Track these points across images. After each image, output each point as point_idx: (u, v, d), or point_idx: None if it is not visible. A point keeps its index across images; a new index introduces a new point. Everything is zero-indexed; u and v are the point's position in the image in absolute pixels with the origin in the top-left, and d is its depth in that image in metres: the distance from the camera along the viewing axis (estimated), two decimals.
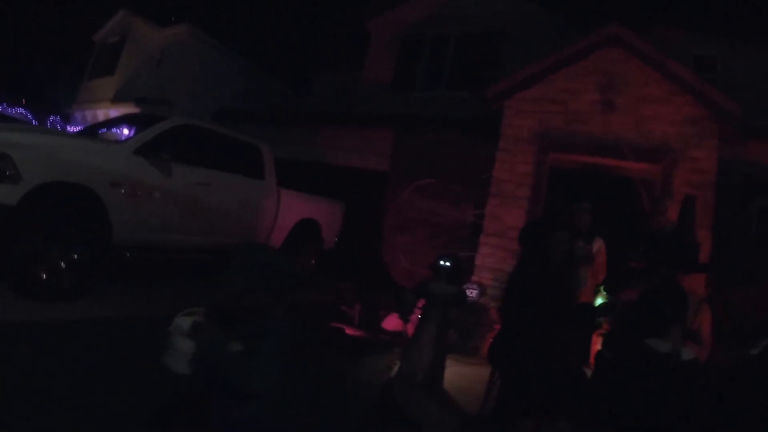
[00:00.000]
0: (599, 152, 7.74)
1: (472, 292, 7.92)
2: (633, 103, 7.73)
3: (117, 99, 15.39)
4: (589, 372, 3.96)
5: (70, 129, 14.91)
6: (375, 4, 13.31)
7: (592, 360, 4.31)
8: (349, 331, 6.97)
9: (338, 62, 15.80)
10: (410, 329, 6.01)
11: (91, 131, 7.56)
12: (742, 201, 7.81)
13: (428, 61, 12.47)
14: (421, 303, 5.38)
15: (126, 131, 6.61)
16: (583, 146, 7.80)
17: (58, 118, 17.16)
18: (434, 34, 12.52)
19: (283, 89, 17.44)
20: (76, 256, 5.30)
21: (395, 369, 5.25)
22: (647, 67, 7.76)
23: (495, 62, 10.93)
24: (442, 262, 5.31)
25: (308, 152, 11.36)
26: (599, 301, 4.82)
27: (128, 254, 5.85)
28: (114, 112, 14.28)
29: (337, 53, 16.70)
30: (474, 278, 8.06)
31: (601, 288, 4.71)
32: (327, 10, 24.35)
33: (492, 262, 8.02)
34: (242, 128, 8.70)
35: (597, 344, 5.08)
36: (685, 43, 10.24)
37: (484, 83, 8.93)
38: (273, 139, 9.09)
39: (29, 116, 16.06)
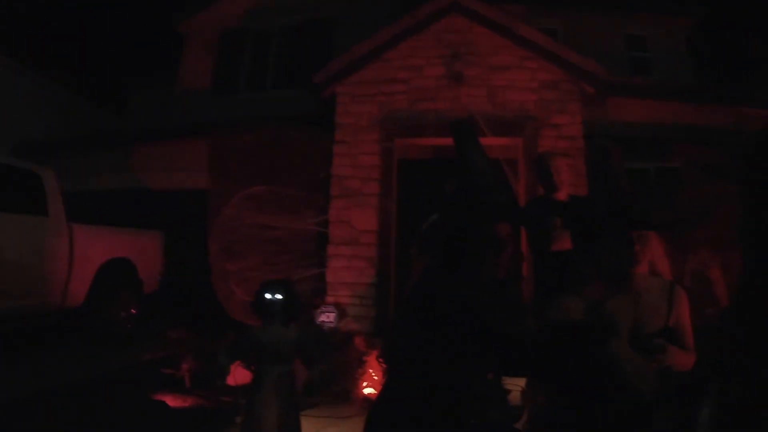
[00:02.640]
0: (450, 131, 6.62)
1: (328, 317, 6.47)
2: (483, 73, 7.02)
3: None
4: None
5: None
6: (186, 5, 11.81)
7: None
8: (174, 401, 5.18)
9: (154, 75, 13.86)
10: None
11: None
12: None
13: (251, 61, 11.18)
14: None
15: None
16: (432, 127, 6.87)
17: None
18: (256, 30, 11.22)
19: (100, 113, 15.05)
20: None
21: None
22: (494, 33, 7.10)
23: (327, 54, 9.63)
24: (268, 296, 3.67)
25: (124, 179, 9.69)
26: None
27: None
28: None
29: (151, 65, 14.78)
30: (329, 299, 6.79)
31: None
32: (136, 18, 22.13)
33: (348, 276, 6.83)
34: (50, 163, 6.98)
35: None
36: (526, 17, 9.64)
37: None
38: (85, 169, 8.08)
39: None
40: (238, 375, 5.67)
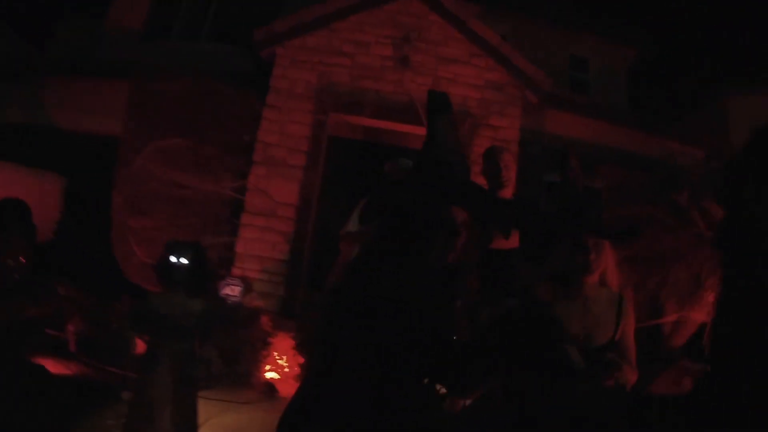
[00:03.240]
0: (389, 114, 6.70)
1: (233, 290, 6.06)
2: (431, 62, 6.84)
3: None
4: None
5: None
6: None
7: None
8: (56, 367, 4.62)
9: (84, 6, 12.79)
10: None
11: None
12: (539, 174, 7.17)
13: (189, 8, 10.39)
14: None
15: None
16: (370, 107, 6.65)
17: None
18: None
19: (24, 44, 13.82)
20: None
21: None
22: (448, 24, 6.96)
23: (272, 13, 9.10)
24: (174, 259, 3.26)
25: (34, 115, 8.88)
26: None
27: None
28: None
29: None
30: (236, 271, 6.34)
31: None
32: None
33: (259, 249, 6.43)
34: None
35: None
36: (479, 17, 9.53)
37: None
38: None
39: None
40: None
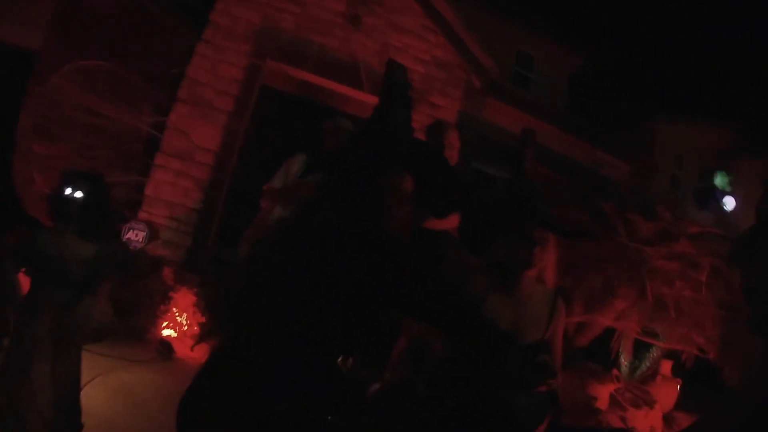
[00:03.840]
0: (330, 72, 6.36)
1: (137, 235, 5.61)
2: (382, 27, 6.57)
3: None
4: None
5: None
6: None
7: None
8: None
9: None
10: None
11: None
12: (467, 159, 7.17)
13: None
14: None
15: None
16: (312, 60, 6.27)
17: None
18: None
19: None
20: None
21: None
22: None
23: None
24: (68, 192, 2.83)
25: None
26: None
27: None
28: None
29: None
30: (142, 215, 5.87)
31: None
32: None
33: (170, 194, 5.99)
34: None
35: None
36: None
37: None
38: None
39: None
40: None
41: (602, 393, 4.89)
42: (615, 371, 5.11)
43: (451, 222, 3.22)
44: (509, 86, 8.35)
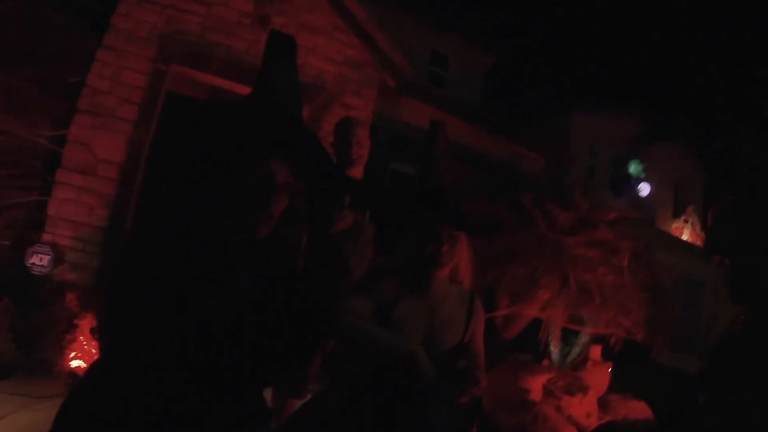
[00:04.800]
0: (238, 75, 6.08)
1: (41, 259, 5.21)
2: (292, 27, 6.35)
3: None
4: None
5: None
6: None
7: None
8: None
9: None
10: None
11: None
12: (385, 160, 7.12)
13: None
14: None
15: None
16: (218, 63, 6.06)
17: None
18: None
19: None
20: None
21: None
22: None
23: None
24: None
25: None
26: None
27: None
28: None
29: None
30: (46, 236, 5.43)
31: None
32: None
33: (74, 213, 5.55)
34: None
35: None
36: None
37: None
38: None
39: None
40: None
41: (535, 384, 4.91)
42: (546, 361, 5.16)
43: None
44: (423, 84, 8.38)
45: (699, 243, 13.97)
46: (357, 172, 3.32)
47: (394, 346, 1.89)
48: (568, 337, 5.83)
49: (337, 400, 2.02)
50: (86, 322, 4.79)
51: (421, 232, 2.14)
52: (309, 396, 2.88)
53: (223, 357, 1.36)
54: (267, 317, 1.43)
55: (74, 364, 4.65)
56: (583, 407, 5.04)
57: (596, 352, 5.85)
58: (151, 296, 1.37)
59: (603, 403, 5.42)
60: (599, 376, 5.69)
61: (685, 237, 14.21)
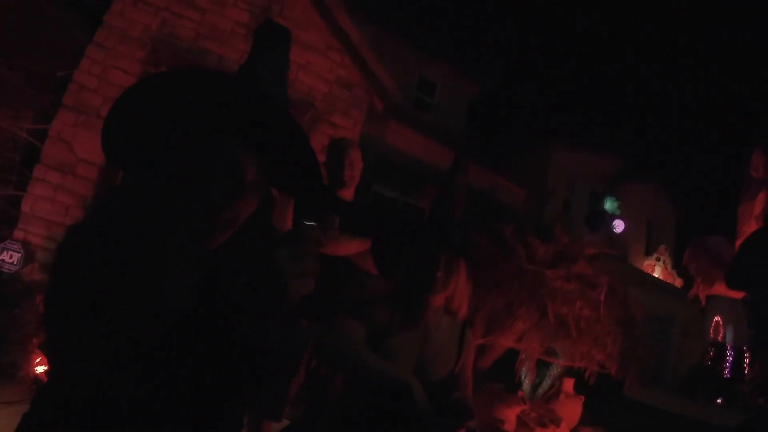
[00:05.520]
0: None
1: (11, 256, 5.06)
2: None
3: None
4: None
5: None
6: None
7: None
8: None
9: None
10: None
11: None
12: (367, 182, 7.10)
13: None
14: None
15: None
16: None
17: None
18: None
19: None
20: None
21: None
22: (313, 9, 6.67)
23: None
24: None
25: None
26: None
27: None
28: None
29: None
30: (18, 233, 5.28)
31: None
32: None
33: (48, 211, 5.40)
34: None
35: None
36: None
37: None
38: None
39: None
40: None
41: (509, 415, 4.90)
42: (521, 393, 5.16)
43: (352, 248, 2.99)
44: (411, 109, 8.47)
45: (670, 280, 14.26)
46: (347, 193, 3.31)
47: (389, 375, 1.84)
48: (539, 368, 5.85)
49: (329, 429, 1.98)
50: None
51: (418, 256, 2.10)
52: (285, 420, 2.83)
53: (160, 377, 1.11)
54: (199, 346, 1.15)
55: (40, 369, 4.49)
56: None
57: (569, 384, 5.88)
58: (85, 301, 1.09)
59: None
60: (572, 408, 5.73)
61: (656, 274, 14.51)
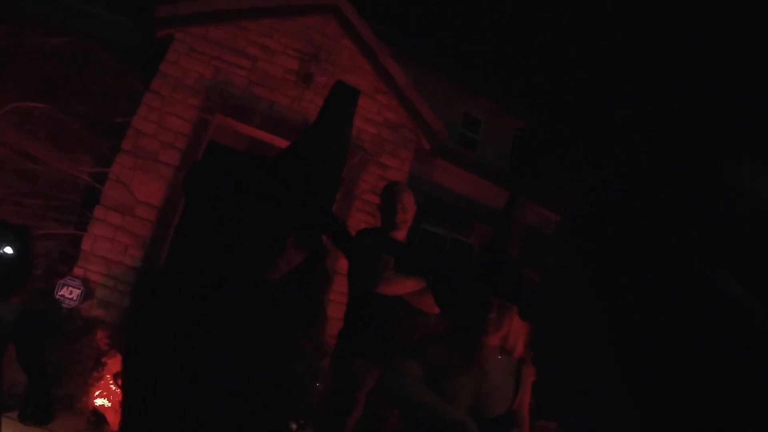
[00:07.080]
0: (280, 129, 6.28)
1: (71, 292, 5.22)
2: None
3: None
4: None
5: None
6: None
7: None
8: None
9: None
10: None
11: None
12: (417, 220, 7.15)
13: None
14: None
15: None
16: (261, 117, 6.23)
17: None
18: None
19: None
20: None
21: None
22: (360, 54, 6.87)
23: None
24: None
25: None
26: None
27: None
28: None
29: None
30: (77, 270, 5.44)
31: None
32: None
33: (108, 250, 5.60)
34: None
35: None
36: None
37: None
38: None
39: None
40: None
41: None
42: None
43: (407, 287, 3.09)
44: (456, 147, 8.50)
45: None
46: (400, 234, 3.39)
47: (446, 416, 1.88)
48: None
49: None
50: (114, 361, 4.78)
51: (472, 297, 2.13)
52: None
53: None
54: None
55: (98, 402, 4.63)
56: None
57: None
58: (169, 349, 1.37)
59: None
60: None
61: None
